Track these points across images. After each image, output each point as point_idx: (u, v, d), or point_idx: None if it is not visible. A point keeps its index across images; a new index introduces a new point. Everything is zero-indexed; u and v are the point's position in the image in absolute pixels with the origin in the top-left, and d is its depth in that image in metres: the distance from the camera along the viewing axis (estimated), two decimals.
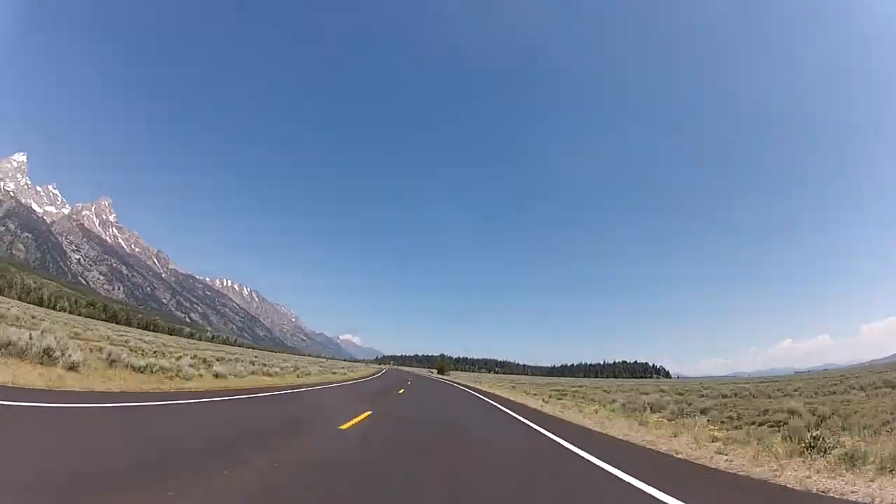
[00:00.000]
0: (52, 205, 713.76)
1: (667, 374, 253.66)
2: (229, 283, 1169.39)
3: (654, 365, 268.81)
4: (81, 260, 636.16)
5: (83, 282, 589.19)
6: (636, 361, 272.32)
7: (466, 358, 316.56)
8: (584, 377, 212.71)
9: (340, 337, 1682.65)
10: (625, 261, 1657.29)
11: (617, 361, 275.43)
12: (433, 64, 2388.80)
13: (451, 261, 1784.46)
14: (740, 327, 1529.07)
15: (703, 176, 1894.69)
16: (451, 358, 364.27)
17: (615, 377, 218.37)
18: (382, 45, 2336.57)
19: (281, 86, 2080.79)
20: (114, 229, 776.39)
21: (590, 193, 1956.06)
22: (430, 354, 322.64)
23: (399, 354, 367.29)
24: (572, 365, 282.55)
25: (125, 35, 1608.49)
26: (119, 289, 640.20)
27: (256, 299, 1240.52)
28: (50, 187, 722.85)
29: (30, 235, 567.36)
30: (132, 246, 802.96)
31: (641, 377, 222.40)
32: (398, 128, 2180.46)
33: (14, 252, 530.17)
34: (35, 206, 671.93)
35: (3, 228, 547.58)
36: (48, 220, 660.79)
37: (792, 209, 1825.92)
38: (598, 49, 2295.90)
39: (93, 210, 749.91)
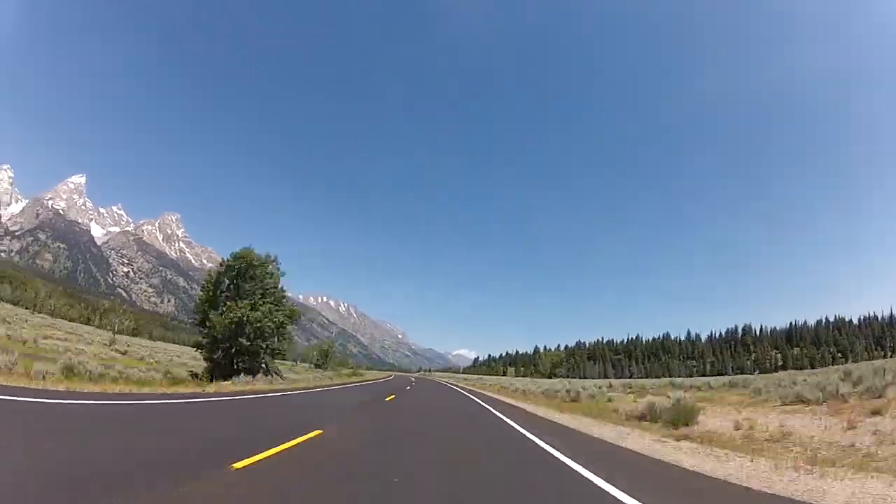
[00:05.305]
0: (116, 225, 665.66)
1: None
2: (324, 300, 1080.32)
3: None
4: (131, 273, 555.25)
5: (123, 294, 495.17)
6: None
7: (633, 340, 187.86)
8: None
9: (453, 352, 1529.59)
10: None
11: None
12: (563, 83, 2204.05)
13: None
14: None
15: None
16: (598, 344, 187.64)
17: None
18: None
19: (393, 93, 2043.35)
20: (181, 244, 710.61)
21: None
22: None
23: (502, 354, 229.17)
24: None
25: (204, 47, 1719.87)
26: (170, 301, 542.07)
27: (354, 315, 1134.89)
28: (114, 208, 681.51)
29: (63, 246, 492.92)
30: (203, 261, 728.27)
31: None
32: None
33: (38, 262, 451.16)
34: (96, 227, 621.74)
35: (31, 239, 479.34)
36: (106, 239, 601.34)
37: None
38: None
39: (156, 225, 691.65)
